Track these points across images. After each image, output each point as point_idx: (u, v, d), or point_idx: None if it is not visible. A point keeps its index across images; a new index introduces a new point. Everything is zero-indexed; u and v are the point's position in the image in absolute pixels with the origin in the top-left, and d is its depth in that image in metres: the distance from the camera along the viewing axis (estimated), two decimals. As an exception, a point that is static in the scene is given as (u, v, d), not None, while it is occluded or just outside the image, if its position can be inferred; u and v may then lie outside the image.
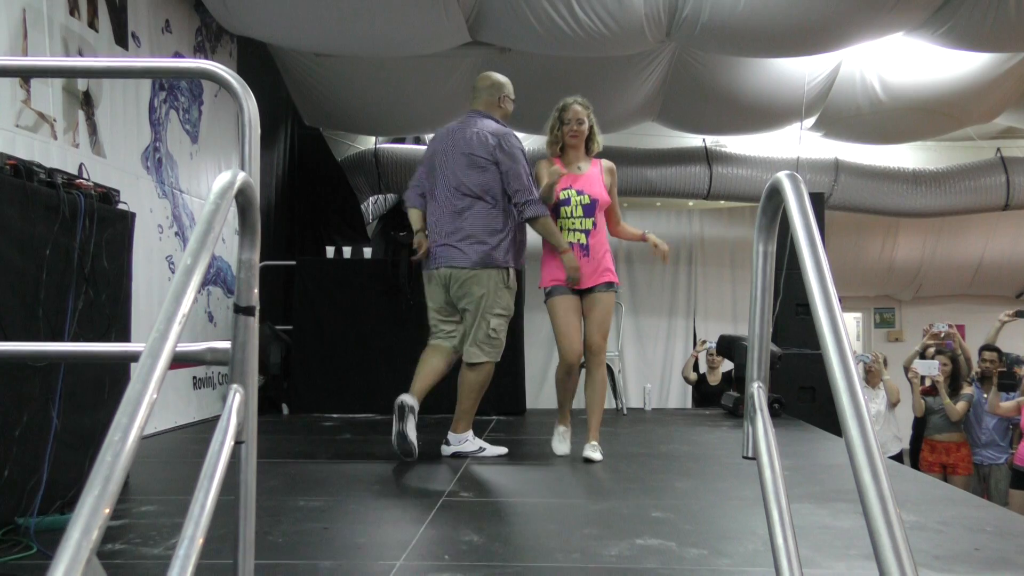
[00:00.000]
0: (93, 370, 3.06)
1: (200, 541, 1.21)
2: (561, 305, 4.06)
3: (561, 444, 4.21)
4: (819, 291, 1.16)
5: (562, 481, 3.69)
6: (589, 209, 4.08)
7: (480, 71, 7.16)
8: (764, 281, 1.58)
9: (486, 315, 4.07)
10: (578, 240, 4.07)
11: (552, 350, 9.77)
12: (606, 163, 4.23)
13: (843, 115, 7.79)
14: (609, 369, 6.41)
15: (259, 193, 1.46)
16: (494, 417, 5.65)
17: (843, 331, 1.12)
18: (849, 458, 1.01)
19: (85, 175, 3.20)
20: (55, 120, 4.08)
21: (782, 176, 1.38)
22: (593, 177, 4.14)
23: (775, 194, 1.43)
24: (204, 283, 5.93)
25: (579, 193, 4.07)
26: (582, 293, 4.11)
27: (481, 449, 4.22)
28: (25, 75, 3.66)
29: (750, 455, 1.48)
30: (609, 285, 4.10)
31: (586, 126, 4.12)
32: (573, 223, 4.09)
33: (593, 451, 4.02)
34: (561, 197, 4.08)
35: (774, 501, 1.33)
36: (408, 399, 4.06)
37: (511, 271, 4.13)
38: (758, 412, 1.49)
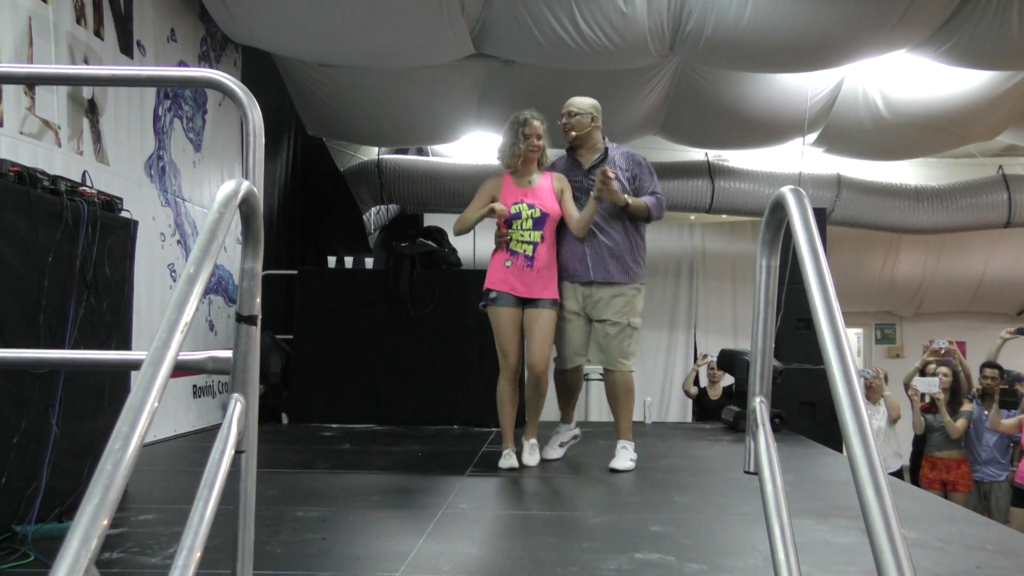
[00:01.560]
0: (93, 377, 3.05)
1: (199, 551, 1.20)
2: (502, 318, 4.12)
3: (531, 456, 4.24)
4: (822, 305, 1.16)
5: (561, 494, 3.68)
6: (539, 222, 4.14)
7: (484, 83, 7.24)
8: (767, 295, 1.57)
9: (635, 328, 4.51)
10: (524, 251, 4.12)
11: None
12: (557, 174, 4.29)
13: (845, 131, 7.80)
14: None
15: (263, 202, 1.47)
16: (494, 429, 5.63)
17: (846, 345, 1.11)
18: (852, 474, 1.01)
19: (88, 182, 3.21)
20: (59, 127, 4.09)
21: (786, 191, 1.38)
22: (544, 190, 4.21)
23: (779, 208, 1.43)
24: (206, 292, 5.93)
25: (530, 207, 4.14)
26: (524, 304, 4.15)
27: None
28: (31, 82, 3.67)
29: (751, 470, 1.48)
30: (553, 302, 4.14)
31: (543, 141, 4.21)
32: (522, 235, 4.14)
33: (531, 454, 4.22)
34: (512, 211, 4.14)
35: (775, 516, 1.33)
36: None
37: None
38: (760, 427, 1.49)
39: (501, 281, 4.13)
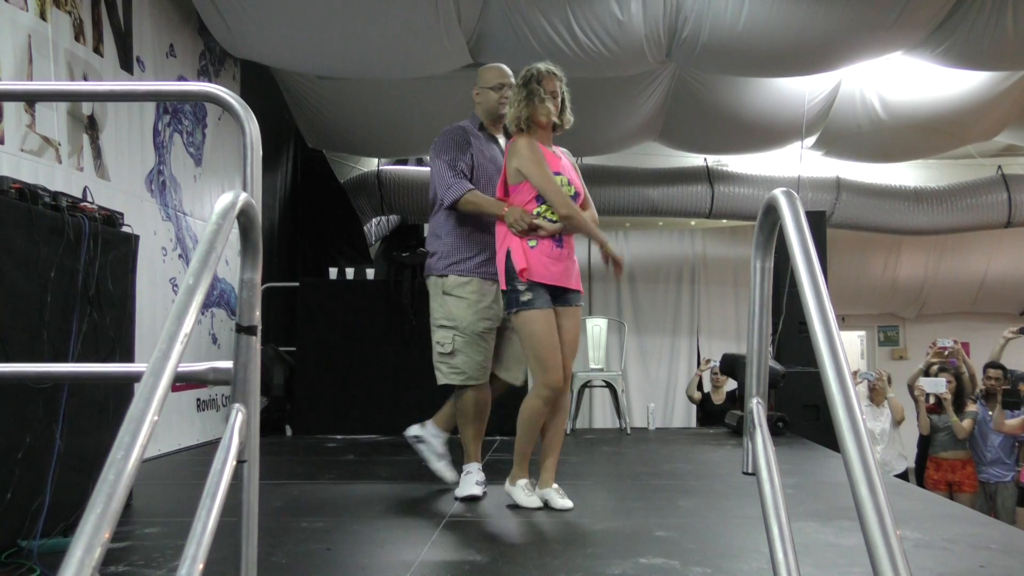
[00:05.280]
0: (97, 392, 3.07)
1: (202, 562, 1.21)
2: (544, 318, 3.27)
3: (530, 496, 3.43)
4: (815, 305, 1.17)
5: (566, 501, 3.67)
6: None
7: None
8: (762, 297, 1.58)
9: (432, 329, 3.65)
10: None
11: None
12: (567, 152, 3.59)
13: (844, 134, 7.82)
14: (612, 388, 6.42)
15: (262, 214, 1.48)
16: (498, 438, 5.62)
17: (838, 340, 1.12)
18: (846, 472, 1.02)
19: (89, 198, 3.22)
20: (60, 144, 4.11)
21: (778, 193, 1.39)
22: (570, 167, 3.49)
23: (771, 211, 1.44)
24: (208, 305, 5.94)
25: (569, 184, 3.41)
26: (555, 298, 3.34)
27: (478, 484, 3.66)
28: (31, 99, 3.70)
29: (750, 471, 1.48)
30: (578, 294, 3.44)
31: (559, 100, 3.42)
32: (551, 214, 3.34)
33: (563, 498, 3.39)
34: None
35: (774, 517, 1.33)
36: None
37: (448, 278, 3.59)
38: (757, 428, 1.49)
39: (539, 277, 3.30)
